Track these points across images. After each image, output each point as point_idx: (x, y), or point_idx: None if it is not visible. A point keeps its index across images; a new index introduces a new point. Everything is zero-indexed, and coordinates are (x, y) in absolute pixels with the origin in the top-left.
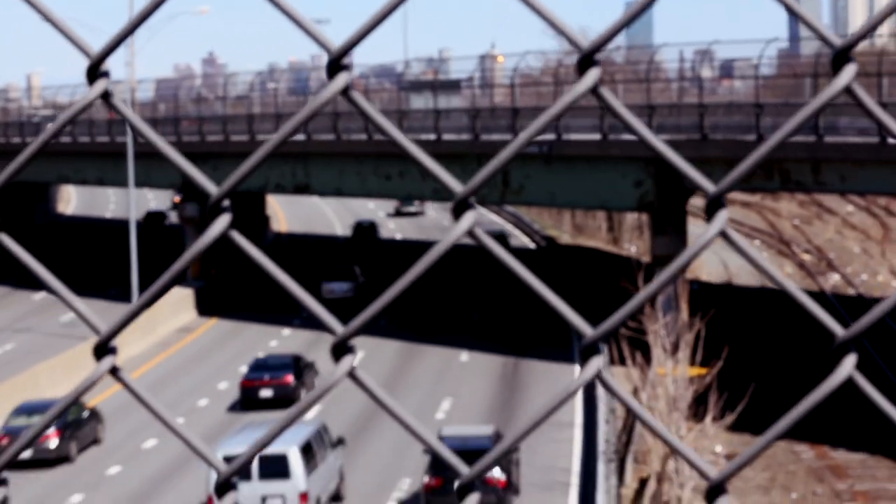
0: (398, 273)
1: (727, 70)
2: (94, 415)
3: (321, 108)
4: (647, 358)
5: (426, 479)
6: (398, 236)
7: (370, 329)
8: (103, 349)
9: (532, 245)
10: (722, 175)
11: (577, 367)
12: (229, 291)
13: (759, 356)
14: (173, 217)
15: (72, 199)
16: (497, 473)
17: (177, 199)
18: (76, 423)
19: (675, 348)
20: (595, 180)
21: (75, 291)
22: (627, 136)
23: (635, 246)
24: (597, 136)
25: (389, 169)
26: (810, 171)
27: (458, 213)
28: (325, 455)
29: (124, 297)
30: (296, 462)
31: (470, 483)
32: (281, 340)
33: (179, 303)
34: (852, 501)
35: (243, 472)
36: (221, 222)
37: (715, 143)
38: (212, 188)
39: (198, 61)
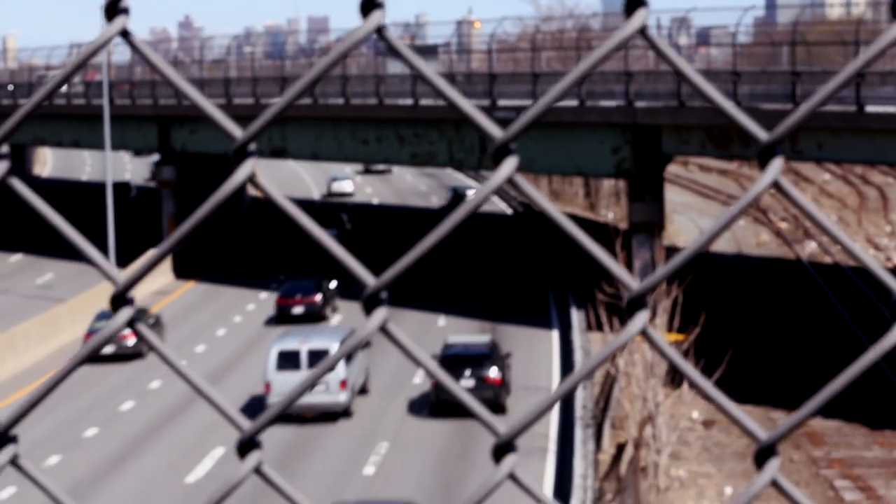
0: (374, 231)
1: (704, 38)
2: (158, 320)
3: (357, 46)
4: (625, 324)
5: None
6: (375, 201)
7: (346, 294)
8: (121, 300)
9: (509, 211)
10: (699, 143)
11: (555, 333)
12: (207, 255)
13: (737, 323)
14: (147, 182)
15: (47, 162)
16: (494, 374)
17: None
18: (147, 326)
19: (653, 314)
20: (572, 146)
21: (51, 254)
22: (605, 103)
23: (612, 212)
24: (574, 103)
25: (366, 134)
26: (787, 139)
27: (497, 159)
28: (357, 353)
29: None
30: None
31: (507, 443)
32: (258, 304)
33: (156, 267)
34: (829, 468)
35: (294, 363)
36: (248, 166)
37: (692, 111)
38: (237, 132)
39: (174, 25)
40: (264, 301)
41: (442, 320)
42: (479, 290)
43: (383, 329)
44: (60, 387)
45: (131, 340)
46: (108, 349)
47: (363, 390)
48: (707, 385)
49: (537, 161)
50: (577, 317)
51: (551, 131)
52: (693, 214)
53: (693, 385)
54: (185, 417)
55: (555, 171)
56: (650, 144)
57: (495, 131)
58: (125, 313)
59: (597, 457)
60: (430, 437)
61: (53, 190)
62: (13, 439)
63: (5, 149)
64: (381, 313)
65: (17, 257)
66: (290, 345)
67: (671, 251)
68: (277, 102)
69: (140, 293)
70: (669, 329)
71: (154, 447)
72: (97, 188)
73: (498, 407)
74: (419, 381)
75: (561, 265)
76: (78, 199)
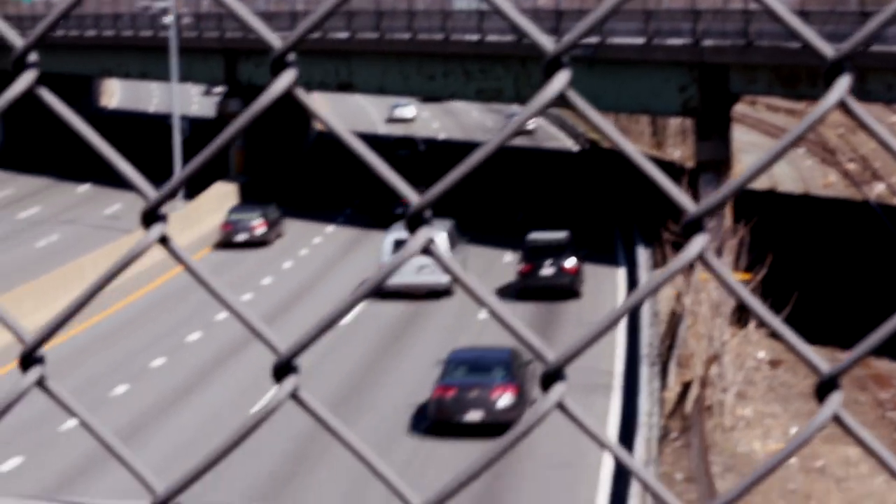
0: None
1: None
2: (280, 214)
3: None
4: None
5: (520, 266)
6: (441, 136)
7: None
8: (152, 216)
9: (575, 148)
10: (767, 82)
11: (621, 271)
12: (274, 188)
13: (803, 264)
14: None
15: (115, 93)
16: (571, 263)
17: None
18: (274, 220)
19: (719, 254)
20: (639, 84)
21: (118, 185)
22: (672, 41)
23: (679, 151)
24: (641, 41)
25: (433, 69)
26: (856, 80)
27: (549, 73)
28: (458, 243)
29: None
30: (442, 243)
31: (556, 371)
32: (325, 237)
33: (223, 198)
34: (895, 411)
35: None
36: (286, 78)
37: (760, 50)
38: (276, 42)
39: None
40: (331, 234)
41: (508, 256)
42: (546, 227)
43: (427, 250)
44: (143, 310)
45: (260, 230)
46: (241, 237)
47: None
48: (767, 314)
49: (604, 99)
50: (643, 255)
51: (618, 69)
52: (760, 154)
53: (751, 312)
54: (252, 349)
55: (621, 109)
56: (717, 83)
57: (547, 43)
58: (157, 229)
59: (662, 395)
60: (518, 314)
61: (121, 121)
62: (40, 360)
63: (34, 57)
64: (424, 232)
65: (85, 188)
66: (402, 234)
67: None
68: (317, 12)
69: (206, 226)
70: (736, 269)
71: (220, 379)
72: (166, 119)
73: (573, 293)
74: (505, 270)
75: (628, 203)
76: (146, 130)
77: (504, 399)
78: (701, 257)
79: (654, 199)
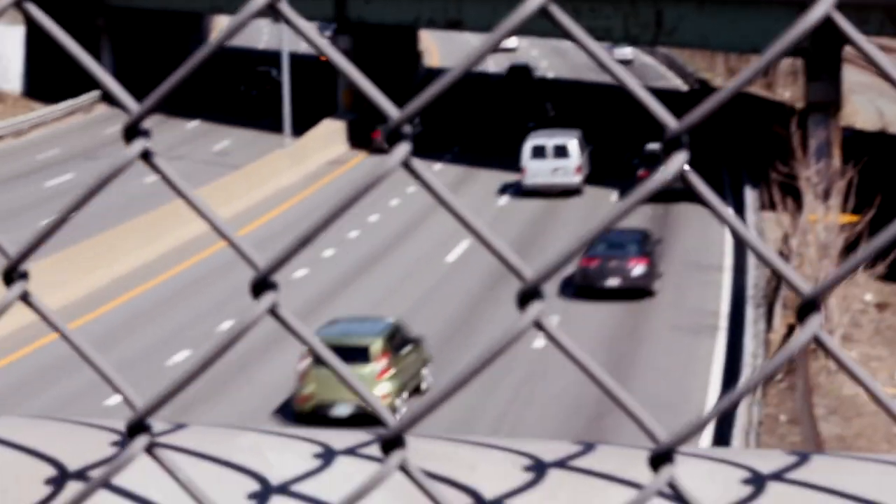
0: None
1: None
2: (421, 123)
3: None
4: (799, 204)
5: (640, 171)
6: (550, 75)
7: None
8: (133, 131)
9: (685, 87)
10: (879, 22)
11: (729, 210)
12: (383, 125)
13: None
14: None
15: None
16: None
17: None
18: (418, 132)
19: (827, 195)
20: (749, 23)
21: (229, 121)
22: None
23: (789, 91)
24: None
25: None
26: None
27: None
28: (585, 150)
29: (276, 127)
30: (573, 149)
31: (533, 289)
32: (433, 175)
33: (331, 135)
34: None
35: (542, 154)
36: None
37: None
38: None
39: None
40: (438, 173)
41: (614, 196)
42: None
43: (406, 164)
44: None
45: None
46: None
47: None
48: (750, 236)
49: (713, 38)
50: (750, 196)
51: (728, 8)
52: (872, 94)
53: (735, 234)
54: (366, 277)
55: (731, 49)
56: (829, 23)
57: None
58: (139, 144)
59: (767, 336)
60: (640, 211)
61: (231, 58)
62: (24, 275)
63: None
64: (403, 148)
65: (194, 124)
66: (539, 140)
67: (847, 132)
68: None
69: (314, 163)
70: (844, 210)
71: (328, 314)
72: (274, 56)
73: (687, 195)
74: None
75: (736, 144)
76: (256, 66)
77: (638, 269)
78: (683, 174)
79: (762, 141)
